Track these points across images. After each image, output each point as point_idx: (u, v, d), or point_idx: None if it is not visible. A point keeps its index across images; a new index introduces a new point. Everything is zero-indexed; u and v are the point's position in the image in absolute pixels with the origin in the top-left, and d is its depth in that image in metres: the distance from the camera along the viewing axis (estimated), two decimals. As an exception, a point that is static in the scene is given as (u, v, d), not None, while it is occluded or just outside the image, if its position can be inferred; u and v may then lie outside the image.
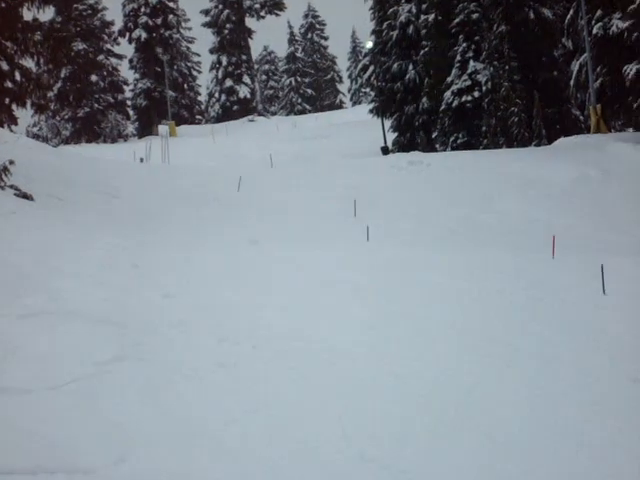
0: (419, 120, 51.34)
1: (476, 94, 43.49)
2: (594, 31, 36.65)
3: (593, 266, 14.17)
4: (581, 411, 7.88)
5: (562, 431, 7.36)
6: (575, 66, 40.29)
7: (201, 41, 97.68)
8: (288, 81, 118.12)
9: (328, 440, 6.79)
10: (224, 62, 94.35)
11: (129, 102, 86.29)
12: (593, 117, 38.25)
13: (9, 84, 20.89)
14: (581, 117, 44.57)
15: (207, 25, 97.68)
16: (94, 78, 77.40)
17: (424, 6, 48.88)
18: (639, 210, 23.08)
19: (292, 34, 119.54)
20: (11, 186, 17.35)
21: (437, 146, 49.69)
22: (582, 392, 8.45)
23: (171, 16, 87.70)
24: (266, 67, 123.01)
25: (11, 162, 17.12)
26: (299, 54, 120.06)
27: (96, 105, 77.44)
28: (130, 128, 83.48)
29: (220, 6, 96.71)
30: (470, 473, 6.44)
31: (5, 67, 20.48)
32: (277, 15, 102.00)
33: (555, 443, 7.11)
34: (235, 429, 6.85)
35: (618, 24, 34.52)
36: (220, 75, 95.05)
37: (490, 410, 7.80)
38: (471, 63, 44.00)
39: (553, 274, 15.12)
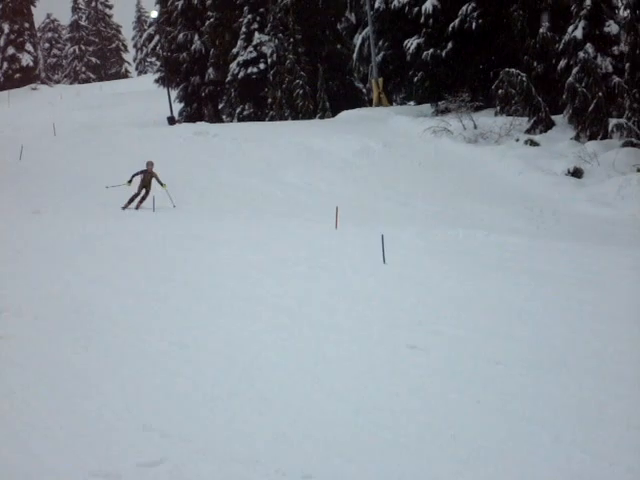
0: (205, 91, 51.23)
1: (262, 66, 43.84)
2: (376, 5, 37.55)
3: (374, 236, 14.51)
4: (358, 377, 8.06)
5: (341, 396, 7.49)
6: (358, 40, 41.12)
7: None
8: (72, 49, 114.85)
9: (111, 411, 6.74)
10: (6, 29, 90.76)
11: None
12: (375, 90, 39.20)
13: None
14: (364, 90, 45.63)
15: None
16: None
17: (209, -24, 48.73)
18: (417, 181, 23.94)
19: (75, 2, 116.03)
20: None
21: (224, 117, 49.80)
22: (361, 359, 8.65)
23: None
24: (49, 35, 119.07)
25: None
26: (83, 22, 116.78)
27: None
28: None
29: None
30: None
31: None
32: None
33: (335, 408, 7.24)
34: (16, 401, 6.72)
35: (400, -1, 35.45)
36: (2, 43, 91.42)
37: (264, 375, 7.90)
38: (256, 35, 44.24)
39: (336, 244, 15.44)
